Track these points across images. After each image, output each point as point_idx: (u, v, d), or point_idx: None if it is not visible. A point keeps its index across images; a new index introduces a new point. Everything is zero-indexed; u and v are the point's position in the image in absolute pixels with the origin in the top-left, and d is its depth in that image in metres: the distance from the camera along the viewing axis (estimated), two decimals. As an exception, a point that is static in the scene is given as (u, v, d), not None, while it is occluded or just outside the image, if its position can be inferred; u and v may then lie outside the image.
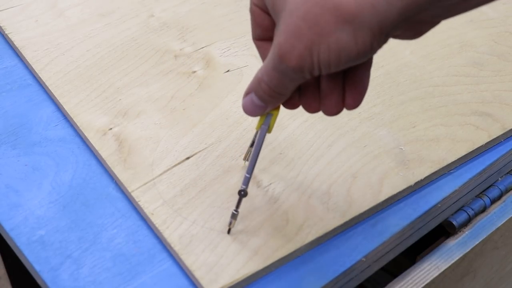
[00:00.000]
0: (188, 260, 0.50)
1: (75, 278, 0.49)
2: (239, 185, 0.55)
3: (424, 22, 0.41)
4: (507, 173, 0.63)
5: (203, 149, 0.59)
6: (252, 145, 0.53)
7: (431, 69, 0.69)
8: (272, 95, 0.43)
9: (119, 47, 0.70)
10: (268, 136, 0.60)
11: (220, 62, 0.69)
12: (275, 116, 0.47)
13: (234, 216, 0.51)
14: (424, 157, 0.58)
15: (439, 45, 0.72)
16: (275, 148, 0.59)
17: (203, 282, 0.48)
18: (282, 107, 0.47)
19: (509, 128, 0.62)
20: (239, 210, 0.51)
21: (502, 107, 0.64)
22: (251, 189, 0.55)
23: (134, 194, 0.54)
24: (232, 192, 0.55)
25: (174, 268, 0.50)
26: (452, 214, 0.59)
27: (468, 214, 0.59)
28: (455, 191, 0.58)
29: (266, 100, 0.44)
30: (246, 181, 0.50)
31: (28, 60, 0.68)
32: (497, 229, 0.60)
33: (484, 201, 0.60)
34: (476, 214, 0.60)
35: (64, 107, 0.62)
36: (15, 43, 0.70)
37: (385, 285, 0.55)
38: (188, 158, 0.58)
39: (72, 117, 0.61)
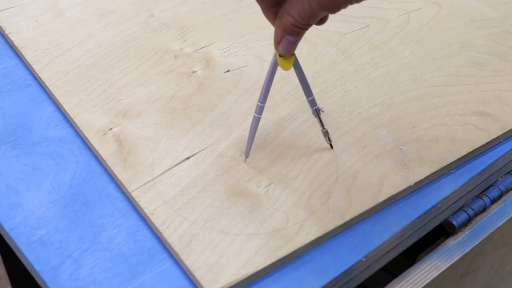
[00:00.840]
0: (188, 260, 0.50)
1: (75, 278, 0.49)
2: (239, 185, 0.55)
3: None
4: (507, 173, 0.63)
5: (203, 149, 0.59)
6: None
7: (431, 69, 0.69)
8: (305, 29, 0.50)
9: (119, 47, 0.70)
10: (268, 136, 0.60)
11: (220, 62, 0.69)
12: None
13: (326, 133, 0.58)
14: (424, 157, 0.58)
15: (439, 45, 0.72)
16: (275, 148, 0.59)
17: (203, 282, 0.48)
18: None
19: (509, 128, 0.62)
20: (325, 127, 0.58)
21: (502, 107, 0.64)
22: (251, 189, 0.55)
23: (134, 194, 0.54)
24: (232, 192, 0.55)
25: (174, 268, 0.50)
26: (452, 214, 0.59)
27: (468, 214, 0.59)
28: (455, 191, 0.58)
29: (300, 34, 0.50)
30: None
31: (28, 60, 0.68)
32: (497, 229, 0.60)
33: (484, 201, 0.60)
34: (476, 214, 0.60)
35: (64, 107, 0.62)
36: (15, 43, 0.70)
37: (385, 285, 0.55)
38: (188, 158, 0.58)
39: (72, 117, 0.61)
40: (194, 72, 0.67)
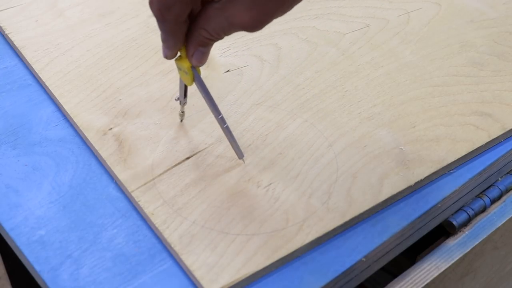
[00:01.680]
0: (188, 260, 0.50)
1: (75, 278, 0.49)
2: (239, 185, 0.55)
3: None
4: (507, 173, 0.63)
5: (203, 149, 0.59)
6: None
7: (431, 69, 0.69)
8: (217, 40, 0.50)
9: (119, 47, 0.70)
10: (268, 136, 0.60)
11: (220, 62, 0.69)
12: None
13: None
14: (424, 157, 0.58)
15: (439, 45, 0.72)
16: (275, 148, 0.59)
17: (203, 282, 0.48)
18: None
19: (509, 128, 0.62)
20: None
21: (502, 107, 0.64)
22: (251, 189, 0.55)
23: (134, 194, 0.54)
24: (232, 192, 0.55)
25: (174, 268, 0.50)
26: (452, 214, 0.59)
27: (468, 214, 0.59)
28: (455, 191, 0.58)
29: (212, 44, 0.51)
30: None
31: (28, 60, 0.68)
32: (497, 229, 0.60)
33: (484, 201, 0.60)
34: (476, 214, 0.60)
35: (64, 107, 0.62)
36: (15, 43, 0.70)
37: (385, 285, 0.55)
38: (188, 158, 0.58)
39: (72, 117, 0.61)
40: (194, 72, 0.67)
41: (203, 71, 0.68)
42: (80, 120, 0.61)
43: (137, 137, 0.60)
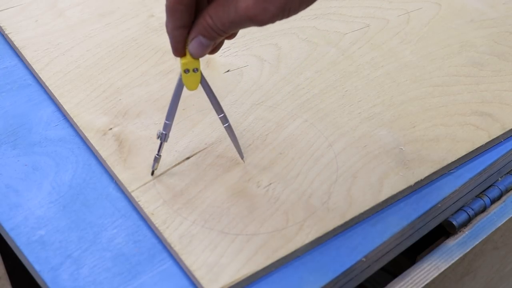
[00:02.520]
0: (188, 260, 0.50)
1: (75, 278, 0.49)
2: (239, 185, 0.55)
3: None
4: (507, 173, 0.63)
5: (203, 149, 0.59)
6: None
7: (431, 69, 0.69)
8: (220, 35, 0.48)
9: (119, 47, 0.70)
10: (268, 136, 0.60)
11: (220, 62, 0.69)
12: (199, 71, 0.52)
13: (156, 159, 0.55)
14: (424, 157, 0.58)
15: (439, 45, 0.72)
16: (275, 148, 0.59)
17: (203, 282, 0.48)
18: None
19: (509, 128, 0.62)
20: (161, 154, 0.55)
21: (502, 107, 0.64)
22: (251, 189, 0.55)
23: (134, 194, 0.54)
24: (232, 192, 0.55)
25: (174, 268, 0.50)
26: (452, 214, 0.59)
27: (468, 214, 0.59)
28: (455, 191, 0.58)
29: (214, 39, 0.49)
30: (166, 127, 0.54)
31: (28, 60, 0.68)
32: (497, 229, 0.60)
33: (484, 201, 0.60)
34: (476, 214, 0.60)
35: (64, 107, 0.62)
36: (15, 43, 0.70)
37: (385, 285, 0.55)
38: (188, 158, 0.58)
39: (72, 117, 0.61)
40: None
41: (204, 71, 0.68)
42: (80, 120, 0.61)
43: (137, 137, 0.60)
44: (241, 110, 0.63)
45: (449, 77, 0.68)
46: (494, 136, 0.61)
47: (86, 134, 0.59)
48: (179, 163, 0.57)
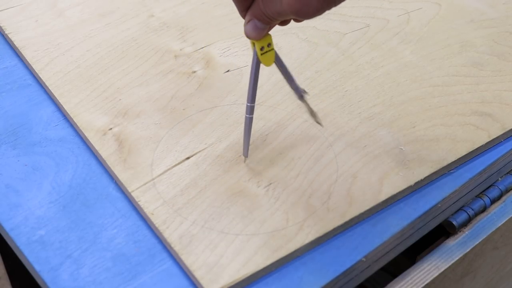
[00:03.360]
0: (188, 260, 0.50)
1: (75, 278, 0.49)
2: (239, 185, 0.55)
3: None
4: (507, 173, 0.63)
5: (203, 149, 0.59)
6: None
7: (431, 69, 0.69)
8: (273, 21, 0.50)
9: (119, 47, 0.70)
10: (268, 136, 0.60)
11: (220, 62, 0.69)
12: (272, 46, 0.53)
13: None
14: (424, 157, 0.58)
15: (439, 45, 0.72)
16: (275, 148, 0.59)
17: (203, 282, 0.48)
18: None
19: (509, 128, 0.62)
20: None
21: (502, 107, 0.64)
22: (251, 189, 0.55)
23: (134, 194, 0.54)
24: (232, 192, 0.55)
25: (174, 268, 0.50)
26: (452, 214, 0.59)
27: (468, 214, 0.59)
28: (455, 191, 0.58)
29: (268, 23, 0.50)
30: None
31: (28, 60, 0.68)
32: (497, 229, 0.60)
33: (484, 201, 0.60)
34: (476, 214, 0.60)
35: (64, 107, 0.62)
36: (15, 43, 0.70)
37: (385, 285, 0.55)
38: (188, 158, 0.58)
39: (72, 117, 0.61)
40: (194, 72, 0.67)
41: (203, 70, 0.68)
42: (80, 120, 0.61)
43: (137, 137, 0.60)
44: (241, 110, 0.63)
45: (449, 77, 0.68)
46: (494, 136, 0.61)
47: (86, 134, 0.60)
48: (179, 163, 0.57)
